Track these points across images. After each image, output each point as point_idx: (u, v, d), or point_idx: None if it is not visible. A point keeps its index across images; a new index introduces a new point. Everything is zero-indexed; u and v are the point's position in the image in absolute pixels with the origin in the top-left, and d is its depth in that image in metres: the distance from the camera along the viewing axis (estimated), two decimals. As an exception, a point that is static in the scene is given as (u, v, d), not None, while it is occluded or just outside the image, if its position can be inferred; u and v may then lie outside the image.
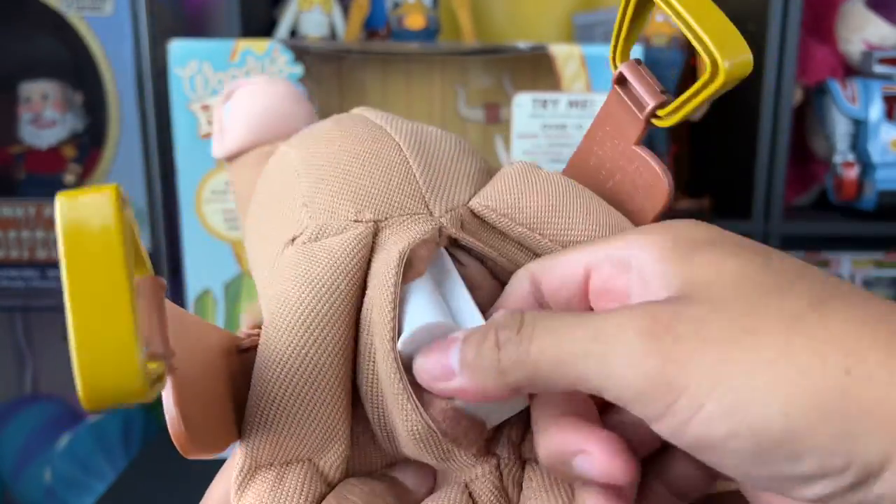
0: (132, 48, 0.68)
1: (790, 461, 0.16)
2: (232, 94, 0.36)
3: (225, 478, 0.23)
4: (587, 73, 0.62)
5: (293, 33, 0.77)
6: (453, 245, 0.25)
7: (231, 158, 0.35)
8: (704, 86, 0.22)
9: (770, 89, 0.70)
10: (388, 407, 0.22)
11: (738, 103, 0.74)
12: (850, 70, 0.81)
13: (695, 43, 0.22)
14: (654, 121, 0.25)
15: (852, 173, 0.77)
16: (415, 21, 0.74)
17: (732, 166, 0.77)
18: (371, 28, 0.78)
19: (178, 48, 0.60)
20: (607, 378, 0.18)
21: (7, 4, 0.74)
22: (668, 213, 0.25)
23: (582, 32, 0.85)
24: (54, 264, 0.75)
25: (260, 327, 0.24)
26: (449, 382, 0.20)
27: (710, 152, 0.82)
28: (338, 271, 0.23)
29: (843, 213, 0.80)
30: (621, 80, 0.25)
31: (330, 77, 0.67)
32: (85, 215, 0.16)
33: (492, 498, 0.23)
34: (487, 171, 0.27)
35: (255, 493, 0.21)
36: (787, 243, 0.75)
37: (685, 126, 0.80)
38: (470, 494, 0.23)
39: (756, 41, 0.70)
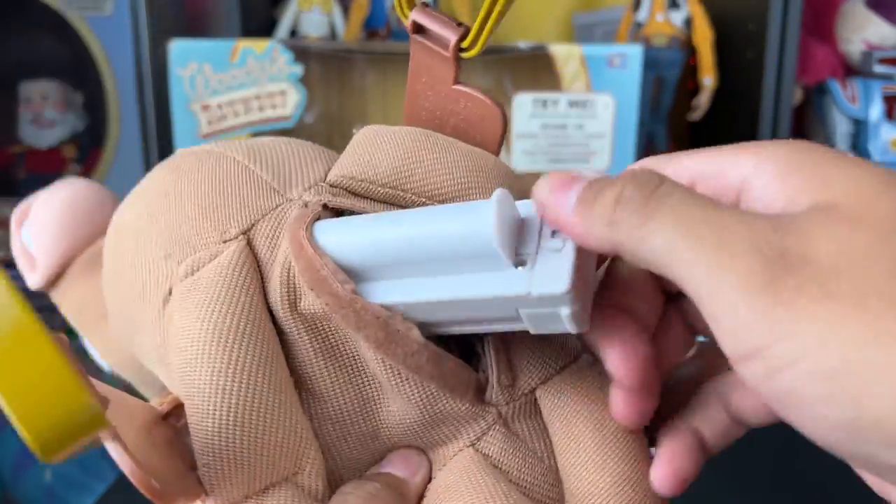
0: (132, 48, 0.68)
1: (888, 448, 0.15)
2: (26, 217, 0.32)
3: None
4: (587, 73, 0.62)
5: (293, 33, 0.77)
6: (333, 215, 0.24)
7: (52, 284, 0.32)
8: (493, 5, 0.23)
9: (770, 89, 0.70)
10: (367, 377, 0.22)
11: (738, 103, 0.74)
12: (850, 70, 0.81)
13: None
14: (462, 55, 0.25)
15: (852, 173, 0.77)
16: (415, 21, 0.74)
17: (732, 166, 0.77)
18: (371, 28, 0.78)
19: (179, 48, 0.60)
20: (709, 294, 0.16)
21: (7, 4, 0.74)
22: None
23: (582, 32, 0.85)
24: (54, 264, 0.75)
25: (169, 393, 0.23)
26: (560, 212, 0.19)
27: (711, 152, 0.82)
28: (230, 288, 0.22)
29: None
30: (418, 29, 0.25)
31: (330, 77, 0.67)
32: None
33: (506, 447, 0.23)
34: (333, 153, 0.27)
35: None
36: (788, 243, 0.75)
37: (685, 126, 0.80)
38: (481, 453, 0.23)
39: (756, 41, 0.70)
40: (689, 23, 0.73)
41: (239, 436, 0.20)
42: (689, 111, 0.75)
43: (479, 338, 0.23)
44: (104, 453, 0.23)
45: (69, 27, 0.70)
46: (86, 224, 0.31)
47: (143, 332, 0.25)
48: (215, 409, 0.21)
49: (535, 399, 0.23)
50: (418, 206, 0.24)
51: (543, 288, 0.19)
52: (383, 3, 0.78)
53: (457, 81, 0.25)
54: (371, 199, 0.24)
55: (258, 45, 0.61)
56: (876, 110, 0.76)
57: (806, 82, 0.79)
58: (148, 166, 0.70)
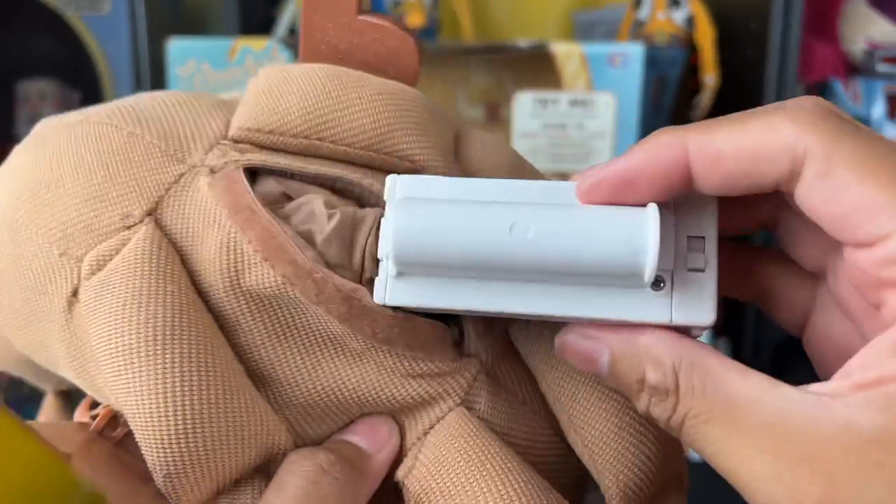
0: (130, 47, 0.68)
1: None
2: None
3: None
4: (588, 72, 0.61)
5: (292, 31, 0.76)
6: (267, 177, 0.21)
7: None
8: None
9: (772, 88, 0.69)
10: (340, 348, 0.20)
11: (740, 102, 0.73)
12: (852, 69, 0.80)
13: None
14: None
15: (855, 173, 0.77)
16: (415, 19, 0.74)
17: (734, 165, 0.76)
18: (371, 26, 0.78)
19: (177, 47, 0.60)
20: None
21: (4, 3, 0.74)
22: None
23: (582, 31, 0.84)
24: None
25: (95, 404, 0.21)
26: (595, 367, 0.19)
27: (712, 151, 0.81)
28: (150, 279, 0.19)
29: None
30: None
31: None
32: None
33: (493, 398, 0.21)
34: (228, 101, 0.24)
35: None
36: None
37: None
38: (471, 411, 0.21)
39: (758, 40, 0.69)
40: (690, 21, 0.73)
41: (195, 439, 0.18)
42: (690, 110, 0.75)
43: None
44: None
45: (67, 26, 0.69)
46: None
47: (47, 342, 0.22)
48: (164, 417, 0.18)
49: (510, 338, 0.22)
50: (337, 156, 0.21)
51: (687, 317, 0.18)
52: (383, 2, 0.77)
53: (360, 11, 0.23)
54: (283, 152, 0.22)
55: (257, 44, 0.60)
56: (878, 109, 0.76)
57: (808, 81, 0.78)
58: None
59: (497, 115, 0.68)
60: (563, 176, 0.64)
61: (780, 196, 0.18)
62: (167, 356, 0.19)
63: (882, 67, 0.77)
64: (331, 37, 0.24)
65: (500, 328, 0.22)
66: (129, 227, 0.20)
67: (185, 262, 0.20)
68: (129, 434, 0.19)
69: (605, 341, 0.19)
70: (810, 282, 0.21)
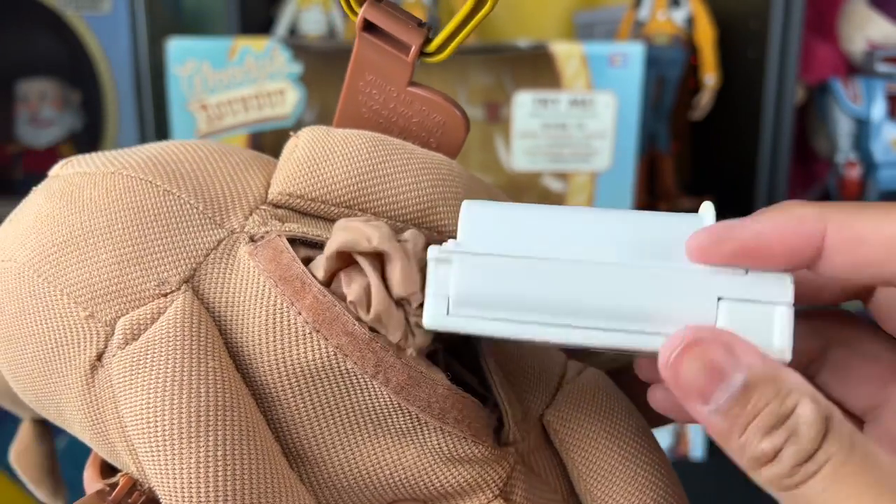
0: (130, 47, 0.68)
1: None
2: None
3: None
4: (588, 72, 0.61)
5: (292, 31, 0.76)
6: (297, 245, 0.21)
7: None
8: (472, 14, 0.21)
9: (772, 88, 0.69)
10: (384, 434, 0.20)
11: (740, 102, 0.73)
12: (852, 69, 0.80)
13: None
14: (425, 59, 0.22)
15: (855, 173, 0.77)
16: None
17: (734, 165, 0.76)
18: (371, 26, 0.78)
19: (177, 47, 0.60)
20: None
21: (4, 3, 0.74)
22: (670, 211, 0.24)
23: (583, 31, 0.84)
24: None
25: (109, 471, 0.21)
26: (695, 409, 0.17)
27: (712, 151, 0.81)
28: (192, 354, 0.18)
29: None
30: (368, 26, 0.22)
31: (329, 76, 0.67)
32: None
33: (528, 487, 0.21)
34: (265, 158, 0.23)
35: None
36: (789, 243, 0.75)
37: (687, 125, 0.79)
38: (508, 501, 0.20)
39: (758, 40, 0.69)
40: (690, 21, 0.73)
41: None
42: (690, 110, 0.75)
43: (475, 370, 0.21)
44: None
45: (67, 26, 0.69)
46: None
47: (59, 399, 0.21)
48: (203, 502, 0.17)
49: (543, 425, 0.22)
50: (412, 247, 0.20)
51: (764, 272, 0.17)
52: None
53: (411, 83, 0.23)
54: (323, 219, 0.21)
55: (257, 44, 0.60)
56: (878, 109, 0.76)
57: (808, 81, 0.78)
58: (146, 166, 0.69)
59: (497, 115, 0.68)
60: (563, 176, 0.64)
61: (831, 334, 0.18)
62: (210, 440, 0.17)
63: (882, 67, 0.77)
64: (375, 102, 0.23)
65: (534, 413, 0.22)
66: (165, 295, 0.19)
67: (222, 334, 0.19)
68: (147, 502, 0.19)
69: (746, 358, 0.16)
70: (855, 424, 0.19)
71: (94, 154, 0.23)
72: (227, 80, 0.61)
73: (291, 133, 0.23)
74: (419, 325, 0.19)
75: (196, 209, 0.20)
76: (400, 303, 0.19)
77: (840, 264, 0.17)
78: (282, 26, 0.75)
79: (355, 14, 0.22)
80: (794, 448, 0.16)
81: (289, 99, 0.61)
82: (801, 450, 0.16)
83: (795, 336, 0.17)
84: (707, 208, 0.18)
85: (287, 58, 0.61)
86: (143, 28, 0.67)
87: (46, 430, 0.32)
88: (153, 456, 0.18)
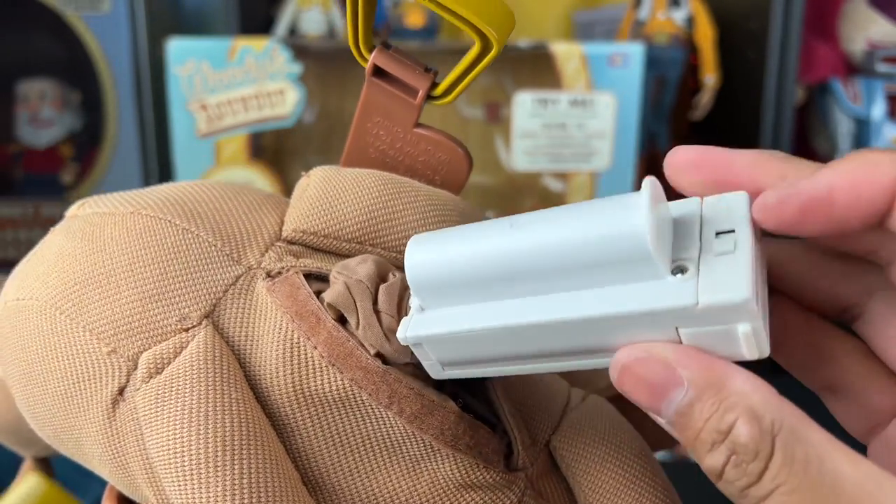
0: (130, 47, 0.68)
1: None
2: None
3: None
4: (588, 72, 0.61)
5: (292, 32, 0.76)
6: (311, 280, 0.21)
7: None
8: (478, 59, 0.22)
9: (772, 88, 0.69)
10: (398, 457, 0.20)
11: (739, 102, 0.73)
12: (852, 69, 0.80)
13: (456, 22, 0.21)
14: (432, 102, 0.23)
15: (855, 173, 0.77)
16: (415, 19, 0.74)
17: (734, 165, 0.76)
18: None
19: (176, 47, 0.60)
20: None
21: (4, 3, 0.74)
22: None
23: (582, 31, 0.84)
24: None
25: (121, 498, 0.21)
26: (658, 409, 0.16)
27: (712, 151, 0.81)
28: (216, 387, 0.19)
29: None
30: (377, 71, 0.23)
31: (329, 76, 0.67)
32: None
33: None
34: (278, 197, 0.24)
35: None
36: (789, 243, 0.75)
37: (687, 125, 0.79)
38: None
39: (758, 40, 0.69)
40: (690, 21, 0.73)
41: None
42: (690, 110, 0.75)
43: (484, 398, 0.22)
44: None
45: (66, 26, 0.69)
46: None
47: (79, 435, 0.21)
48: None
49: (549, 451, 0.22)
50: (389, 262, 0.21)
51: (716, 297, 0.15)
52: (383, 2, 0.77)
53: (417, 125, 0.24)
54: (335, 255, 0.22)
55: (257, 44, 0.60)
56: (878, 109, 0.76)
57: (808, 81, 0.78)
58: (146, 165, 0.69)
59: (497, 115, 0.68)
60: (563, 176, 0.64)
61: (871, 280, 0.17)
62: (235, 468, 0.18)
63: (882, 67, 0.77)
64: (382, 142, 0.24)
65: (542, 439, 0.22)
66: (186, 330, 0.20)
67: (242, 366, 0.20)
68: None
69: (686, 373, 0.15)
70: (894, 387, 0.18)
71: (110, 195, 0.23)
72: (227, 80, 0.61)
73: (303, 173, 0.24)
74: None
75: (214, 247, 0.21)
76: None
77: None
78: (282, 26, 0.75)
79: (365, 60, 0.23)
80: (735, 470, 0.15)
81: (289, 99, 0.61)
82: (742, 472, 0.15)
83: (827, 282, 0.17)
84: (647, 185, 0.16)
85: (287, 58, 0.61)
86: (143, 28, 0.67)
87: (48, 468, 0.32)
88: (180, 485, 0.18)
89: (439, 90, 0.23)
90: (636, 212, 0.15)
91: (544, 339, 0.18)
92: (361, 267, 0.21)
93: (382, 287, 0.20)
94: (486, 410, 0.22)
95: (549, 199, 0.67)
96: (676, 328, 0.16)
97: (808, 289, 0.19)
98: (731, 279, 0.15)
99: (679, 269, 0.16)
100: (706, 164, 0.17)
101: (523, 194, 0.68)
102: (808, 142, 0.84)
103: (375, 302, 0.20)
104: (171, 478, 0.18)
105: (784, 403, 0.15)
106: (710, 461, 0.15)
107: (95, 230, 0.22)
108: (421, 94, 0.23)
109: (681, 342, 0.16)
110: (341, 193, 0.22)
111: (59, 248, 0.22)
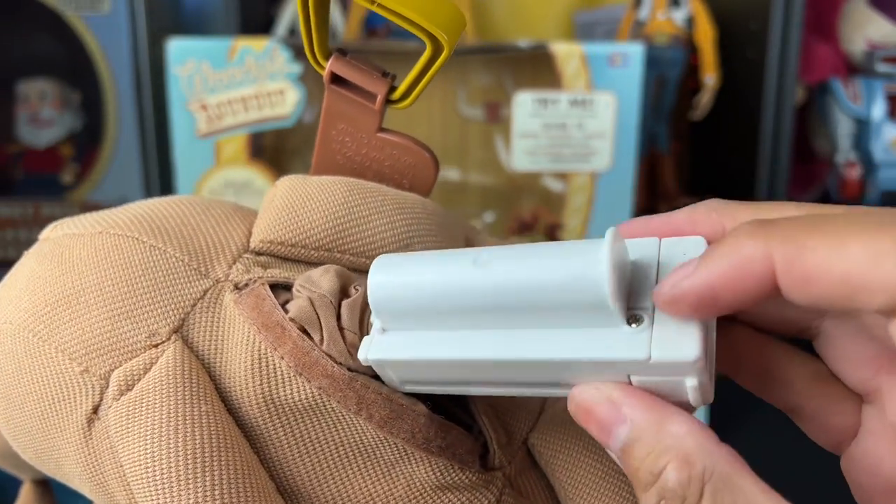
0: (130, 47, 0.68)
1: None
2: None
3: None
4: (588, 72, 0.61)
5: (292, 31, 0.76)
6: (280, 290, 0.21)
7: None
8: (431, 61, 0.22)
9: (772, 88, 0.69)
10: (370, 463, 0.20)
11: (739, 102, 0.73)
12: (852, 69, 0.80)
13: (405, 25, 0.21)
14: (392, 106, 0.24)
15: (855, 173, 0.77)
16: (415, 19, 0.74)
17: (734, 165, 0.76)
18: (371, 26, 0.78)
19: (176, 47, 0.60)
20: None
21: (4, 3, 0.74)
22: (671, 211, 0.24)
23: (583, 31, 0.84)
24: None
25: None
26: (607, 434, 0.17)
27: (712, 151, 0.81)
28: (185, 400, 0.19)
29: (846, 213, 0.79)
30: (335, 79, 0.24)
31: (329, 76, 0.67)
32: None
33: None
34: (246, 209, 0.24)
35: None
36: (789, 243, 0.75)
37: (687, 125, 0.79)
38: None
39: (758, 40, 0.69)
40: (690, 21, 0.73)
41: None
42: (690, 110, 0.75)
43: (457, 398, 0.22)
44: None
45: (66, 26, 0.69)
46: None
47: (58, 455, 0.21)
48: None
49: (528, 448, 0.22)
50: (358, 267, 0.22)
51: (666, 353, 0.16)
52: (383, 2, 0.77)
53: (381, 129, 0.24)
54: (304, 263, 0.22)
55: (257, 44, 0.60)
56: (879, 109, 0.76)
57: (808, 81, 0.78)
58: (146, 165, 0.69)
59: (497, 115, 0.68)
60: (563, 176, 0.64)
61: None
62: (206, 480, 0.18)
63: (882, 67, 0.77)
64: (348, 149, 0.24)
65: (519, 437, 0.22)
66: (156, 346, 0.20)
67: (212, 379, 0.20)
68: None
69: (629, 412, 0.16)
70: (854, 402, 0.19)
71: (82, 216, 0.24)
72: (227, 80, 0.61)
73: (273, 184, 0.24)
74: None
75: (182, 262, 0.21)
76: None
77: (797, 299, 0.16)
78: (282, 26, 0.75)
79: (322, 68, 0.23)
80: None
81: (289, 99, 0.61)
82: None
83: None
84: (608, 237, 0.17)
85: (287, 58, 0.60)
86: (143, 28, 0.67)
87: (48, 491, 0.32)
88: (152, 499, 0.18)
89: (397, 94, 0.23)
90: (597, 263, 0.16)
91: (502, 372, 0.18)
92: (324, 280, 0.21)
93: (345, 303, 0.20)
94: (460, 410, 0.22)
95: (550, 199, 0.67)
96: (628, 375, 0.17)
97: (760, 314, 0.20)
98: (681, 336, 0.16)
99: (634, 319, 0.17)
100: (651, 234, 0.18)
101: (523, 194, 0.68)
102: (808, 142, 0.84)
103: (339, 318, 0.20)
104: (144, 492, 0.18)
105: (719, 449, 0.15)
106: (644, 500, 0.16)
107: (65, 251, 0.22)
108: (380, 98, 0.23)
109: (630, 384, 0.17)
110: (307, 202, 0.22)
111: (30, 272, 0.22)
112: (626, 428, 0.16)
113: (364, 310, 0.21)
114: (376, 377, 0.20)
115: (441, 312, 0.18)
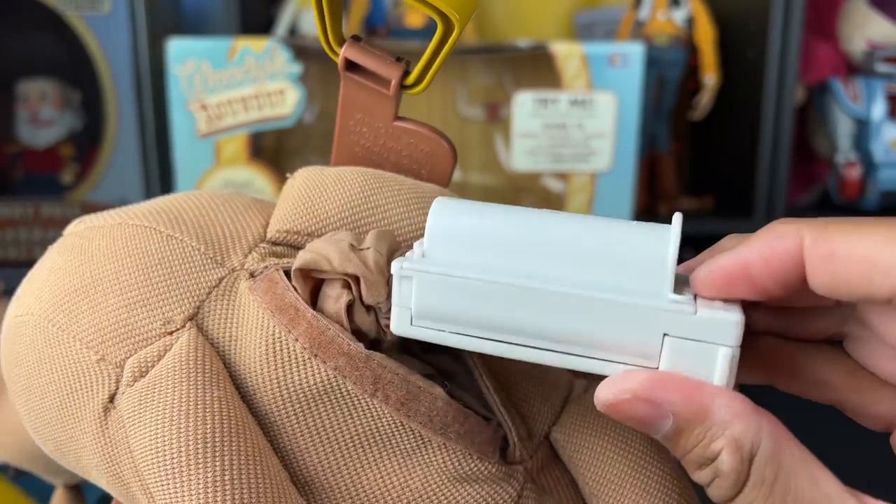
0: (130, 47, 0.68)
1: None
2: None
3: None
4: (588, 72, 0.61)
5: (292, 31, 0.76)
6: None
7: None
8: (443, 41, 0.22)
9: (772, 88, 0.69)
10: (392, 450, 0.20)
11: (740, 102, 0.73)
12: (852, 69, 0.80)
13: (416, 5, 0.21)
14: (406, 91, 0.23)
15: (855, 173, 0.77)
16: (415, 19, 0.74)
17: (734, 166, 0.76)
18: (371, 26, 0.78)
19: (177, 47, 0.60)
20: None
21: (4, 3, 0.74)
22: (671, 212, 0.24)
23: (583, 31, 0.84)
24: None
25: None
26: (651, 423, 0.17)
27: (712, 151, 0.81)
28: (197, 386, 0.19)
29: (846, 214, 0.79)
30: (350, 65, 0.23)
31: (329, 76, 0.67)
32: None
33: None
34: (264, 201, 0.24)
35: None
36: (789, 243, 0.75)
37: (687, 125, 0.79)
38: None
39: (758, 40, 0.69)
40: (690, 21, 0.73)
41: None
42: (690, 110, 0.75)
43: (475, 392, 0.21)
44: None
45: (67, 26, 0.69)
46: None
47: (77, 446, 0.21)
48: None
49: (550, 443, 0.22)
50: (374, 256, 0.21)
51: (713, 312, 0.17)
52: (382, 2, 0.77)
53: (397, 117, 0.24)
54: None
55: (257, 44, 0.60)
56: (879, 109, 0.76)
57: (808, 81, 0.78)
58: (146, 165, 0.69)
59: (497, 115, 0.68)
60: (563, 176, 0.64)
61: (842, 310, 0.19)
62: (217, 465, 0.18)
63: (882, 67, 0.77)
64: (366, 139, 0.24)
65: (540, 432, 0.22)
66: (170, 333, 0.20)
67: (227, 366, 0.20)
68: None
69: (670, 406, 0.17)
70: (891, 390, 0.20)
71: (105, 211, 0.24)
72: (227, 80, 0.61)
73: (288, 175, 0.24)
74: (388, 328, 0.20)
75: (198, 251, 0.21)
76: (370, 308, 0.20)
77: (820, 281, 0.17)
78: (282, 26, 0.75)
79: (336, 54, 0.23)
80: (719, 490, 0.17)
81: (289, 99, 0.61)
82: (723, 493, 0.17)
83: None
84: (677, 219, 0.18)
85: (287, 58, 0.60)
86: (143, 28, 0.67)
87: (80, 496, 0.32)
88: (163, 484, 0.18)
89: (411, 78, 0.23)
90: (665, 231, 0.17)
91: (533, 312, 0.18)
92: (331, 235, 0.21)
93: (374, 231, 0.20)
94: (478, 405, 0.21)
95: (550, 200, 0.67)
96: (664, 335, 0.17)
97: (789, 325, 0.21)
98: (723, 306, 0.17)
99: (679, 293, 0.18)
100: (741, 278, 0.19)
101: (523, 194, 0.68)
102: (808, 142, 0.84)
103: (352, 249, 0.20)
104: (154, 477, 0.18)
105: (762, 422, 0.17)
106: (698, 476, 0.17)
107: (84, 243, 0.22)
108: (394, 83, 0.23)
109: (659, 357, 0.17)
110: (323, 191, 0.22)
111: (51, 264, 0.23)
112: (669, 421, 0.17)
113: (392, 244, 0.20)
114: (394, 358, 0.20)
115: (500, 241, 0.18)
